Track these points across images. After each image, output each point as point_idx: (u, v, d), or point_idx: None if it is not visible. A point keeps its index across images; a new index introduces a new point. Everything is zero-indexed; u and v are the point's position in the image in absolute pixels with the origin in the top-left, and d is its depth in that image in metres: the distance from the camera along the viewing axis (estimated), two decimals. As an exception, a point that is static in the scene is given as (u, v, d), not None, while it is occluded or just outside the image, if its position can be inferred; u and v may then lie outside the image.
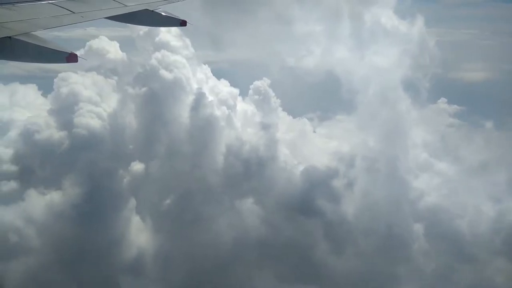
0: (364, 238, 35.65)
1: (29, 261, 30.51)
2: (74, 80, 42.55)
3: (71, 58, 6.33)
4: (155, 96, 43.60)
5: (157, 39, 48.72)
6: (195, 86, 46.84)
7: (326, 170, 39.08)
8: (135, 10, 8.78)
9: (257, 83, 52.34)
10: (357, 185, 38.01)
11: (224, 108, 45.28)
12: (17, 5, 7.10)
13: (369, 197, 37.58)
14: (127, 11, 8.57)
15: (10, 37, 6.06)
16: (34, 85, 54.77)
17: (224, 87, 49.30)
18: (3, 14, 6.63)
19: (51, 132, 37.43)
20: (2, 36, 6.00)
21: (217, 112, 44.70)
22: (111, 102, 42.36)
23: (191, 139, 42.11)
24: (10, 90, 53.57)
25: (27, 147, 36.94)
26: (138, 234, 36.05)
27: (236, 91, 48.77)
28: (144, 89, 44.16)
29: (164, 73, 45.20)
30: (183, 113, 43.51)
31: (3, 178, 34.78)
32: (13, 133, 39.25)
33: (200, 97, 44.47)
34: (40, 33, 6.51)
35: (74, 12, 7.50)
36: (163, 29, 50.61)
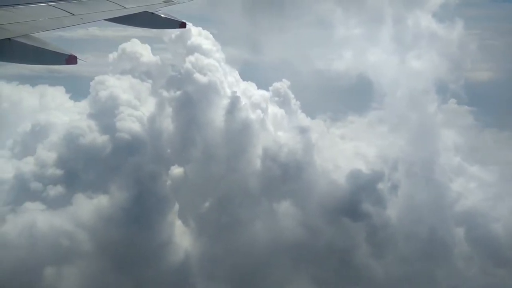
0: (405, 242, 36.12)
1: (81, 265, 30.96)
2: (112, 84, 42.92)
3: (71, 60, 6.31)
4: (191, 100, 43.99)
5: (189, 42, 49.16)
6: (228, 89, 47.32)
7: (362, 172, 39.47)
8: (134, 12, 8.81)
9: (277, 84, 52.87)
10: (395, 188, 38.49)
11: (259, 111, 45.75)
12: (17, 7, 7.10)
13: (408, 200, 38.06)
14: (126, 13, 8.59)
15: (9, 39, 6.03)
16: (62, 87, 55.13)
17: (255, 90, 49.83)
18: (2, 15, 6.60)
19: (94, 136, 37.79)
20: (1, 38, 5.95)
21: (252, 115, 45.19)
22: (149, 106, 42.78)
23: (227, 143, 42.53)
24: (39, 92, 54.08)
25: (70, 151, 37.29)
26: (181, 237, 36.51)
27: (267, 94, 49.26)
28: (178, 92, 44.56)
29: (198, 76, 45.60)
30: (218, 116, 43.91)
31: (49, 182, 35.12)
32: (54, 137, 39.55)
33: (235, 101, 44.84)
34: (41, 35, 6.54)
35: (73, 14, 7.51)
36: (194, 32, 51.18)
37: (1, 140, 43.81)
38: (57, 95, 54.47)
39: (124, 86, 43.02)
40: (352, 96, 55.24)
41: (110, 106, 40.57)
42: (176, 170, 39.91)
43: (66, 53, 6.33)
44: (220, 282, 35.84)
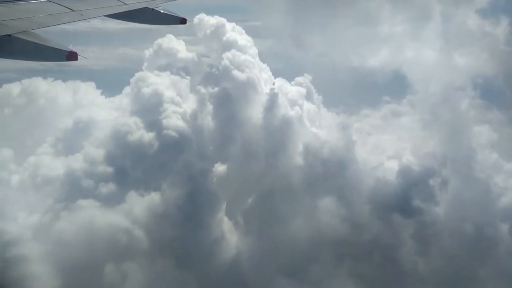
0: (450, 238, 36.61)
1: (141, 262, 31.46)
2: (153, 81, 43.08)
3: (71, 56, 6.27)
4: (230, 97, 44.26)
5: (224, 38, 49.22)
6: (266, 86, 47.53)
7: (409, 168, 39.84)
8: (135, 8, 8.78)
9: (299, 79, 52.98)
10: (444, 184, 38.75)
11: (297, 107, 46.02)
12: (17, 3, 7.06)
13: (451, 196, 38.47)
14: (127, 9, 8.56)
15: (9, 35, 5.99)
16: (93, 83, 55.17)
17: (290, 86, 49.97)
18: (2, 12, 6.55)
19: (141, 133, 38.07)
20: (1, 34, 5.92)
21: (290, 112, 45.45)
22: (190, 103, 42.99)
23: (268, 140, 42.87)
24: (71, 88, 54.14)
25: (118, 148, 37.58)
26: (230, 234, 37.04)
27: (303, 90, 49.38)
28: (217, 89, 44.79)
29: (236, 73, 45.78)
30: (258, 113, 44.20)
31: (100, 180, 35.46)
32: (99, 134, 39.81)
33: (274, 97, 45.13)
34: (41, 31, 6.48)
35: (73, 10, 7.49)
36: (229, 27, 51.21)
37: (41, 137, 44.19)
38: (89, 91, 54.66)
39: (165, 83, 43.23)
40: (383, 92, 55.57)
41: (154, 103, 40.80)
42: (220, 168, 40.34)
43: (66, 49, 6.29)
44: (266, 277, 36.37)
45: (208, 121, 42.88)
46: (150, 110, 40.21)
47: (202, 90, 45.02)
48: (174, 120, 39.40)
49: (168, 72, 45.79)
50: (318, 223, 39.72)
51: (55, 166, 37.67)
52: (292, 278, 37.27)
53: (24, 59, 6.59)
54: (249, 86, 45.64)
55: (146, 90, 41.52)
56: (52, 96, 50.06)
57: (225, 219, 37.71)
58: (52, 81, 50.30)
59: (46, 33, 6.53)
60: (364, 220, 38.87)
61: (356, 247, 38.75)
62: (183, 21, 9.65)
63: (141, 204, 34.33)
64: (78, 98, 52.93)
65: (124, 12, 8.52)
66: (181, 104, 41.79)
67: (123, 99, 51.13)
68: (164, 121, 38.90)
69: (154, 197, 34.93)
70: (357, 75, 55.71)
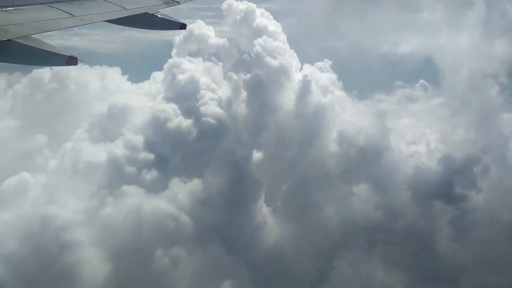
0: (488, 226, 37.00)
1: (190, 247, 31.98)
2: (188, 67, 43.04)
3: (71, 61, 6.37)
4: (263, 83, 44.25)
5: (254, 24, 49.00)
6: (297, 72, 47.51)
7: (449, 156, 40.01)
8: (135, 14, 8.85)
9: (318, 64, 52.89)
10: (473, 171, 39.00)
11: (330, 94, 46.08)
12: (18, 8, 7.10)
13: (488, 184, 38.78)
14: (127, 14, 8.63)
15: (10, 40, 6.07)
16: (118, 68, 55.06)
17: (321, 73, 49.92)
18: (3, 17, 6.61)
19: (179, 120, 38.24)
20: (2, 39, 6.00)
21: (323, 99, 45.52)
22: (224, 89, 43.05)
23: (302, 127, 43.04)
24: (98, 73, 54.07)
25: (158, 135, 37.80)
26: (268, 220, 37.52)
27: (333, 76, 49.38)
28: (249, 75, 44.76)
29: (269, 59, 45.69)
30: (291, 100, 44.29)
31: (142, 166, 35.76)
32: (137, 120, 39.99)
33: (307, 84, 45.15)
34: (41, 36, 6.56)
35: (74, 15, 7.54)
36: (258, 13, 50.89)
37: (74, 123, 44.35)
38: (115, 76, 54.63)
39: (199, 69, 43.22)
40: (413, 79, 55.51)
41: (190, 89, 40.85)
42: (256, 155, 40.61)
43: (66, 54, 6.37)
44: (303, 263, 36.93)
45: (242, 108, 43.03)
46: (186, 97, 40.28)
47: (234, 76, 45.05)
48: (212, 107, 39.52)
49: (200, 58, 45.81)
50: (353, 209, 40.15)
51: (95, 152, 37.89)
52: (326, 263, 37.72)
53: (24, 63, 6.61)
54: (281, 72, 45.61)
55: (182, 77, 41.54)
56: (82, 82, 50.18)
57: (264, 205, 38.14)
58: (82, 65, 50.22)
59: (47, 37, 6.64)
60: (399, 206, 39.26)
61: (390, 233, 39.23)
62: (182, 26, 9.73)
63: (184, 191, 34.71)
64: (106, 83, 53.11)
65: (124, 17, 8.58)
66: (217, 91, 41.86)
67: (152, 85, 51.49)
68: (202, 108, 39.03)
69: (196, 184, 35.29)
70: (384, 61, 55.65)
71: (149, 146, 37.19)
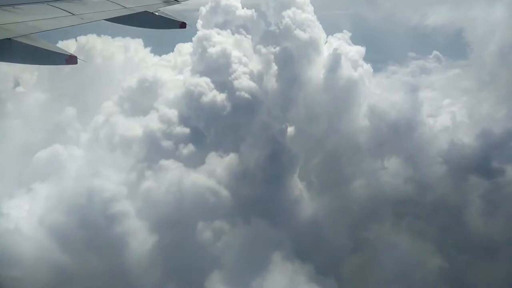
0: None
1: (231, 221, 32.52)
2: (217, 40, 42.51)
3: (71, 60, 6.40)
4: (293, 56, 43.79)
5: (282, -5, 47.98)
6: (326, 45, 46.92)
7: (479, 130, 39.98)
8: (134, 12, 8.86)
9: (338, 35, 52.11)
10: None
11: (360, 68, 45.69)
12: (17, 7, 7.08)
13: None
14: (126, 13, 8.65)
15: (10, 39, 6.08)
16: (141, 39, 54.33)
17: (349, 46, 49.26)
18: (3, 16, 6.61)
19: (214, 94, 38.10)
20: (2, 38, 6.00)
21: (353, 72, 45.16)
22: (254, 63, 42.64)
23: (333, 101, 42.90)
24: (121, 45, 53.41)
25: (192, 109, 37.75)
26: (302, 194, 37.98)
27: (362, 49, 48.71)
28: (278, 48, 44.23)
29: (298, 32, 45.05)
30: (322, 74, 43.99)
31: (179, 140, 35.89)
32: (169, 94, 39.87)
33: (336, 58, 44.70)
34: (41, 34, 6.57)
35: (74, 14, 7.54)
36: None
37: (103, 96, 44.22)
38: (138, 48, 54.01)
39: (230, 42, 42.69)
40: (437, 51, 54.76)
41: (222, 63, 40.50)
42: (289, 129, 40.68)
43: (66, 53, 6.41)
44: (338, 236, 37.57)
45: (272, 82, 42.74)
46: (218, 70, 39.96)
47: (263, 49, 44.53)
48: (246, 81, 39.27)
49: (229, 31, 45.17)
50: (383, 183, 40.52)
51: (130, 126, 37.94)
52: (360, 235, 38.40)
53: (24, 62, 6.63)
54: (311, 45, 45.09)
55: (213, 50, 41.09)
56: (108, 54, 49.69)
57: (297, 179, 38.51)
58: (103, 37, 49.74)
59: (46, 36, 6.62)
60: (428, 180, 39.55)
61: (421, 206, 39.72)
62: (182, 25, 9.69)
63: (222, 165, 34.97)
64: (129, 55, 52.62)
65: (124, 16, 8.57)
66: (248, 64, 41.50)
67: (178, 57, 51.03)
68: (236, 82, 38.80)
69: (233, 158, 35.53)
70: (410, 33, 54.76)
71: (184, 120, 37.21)
